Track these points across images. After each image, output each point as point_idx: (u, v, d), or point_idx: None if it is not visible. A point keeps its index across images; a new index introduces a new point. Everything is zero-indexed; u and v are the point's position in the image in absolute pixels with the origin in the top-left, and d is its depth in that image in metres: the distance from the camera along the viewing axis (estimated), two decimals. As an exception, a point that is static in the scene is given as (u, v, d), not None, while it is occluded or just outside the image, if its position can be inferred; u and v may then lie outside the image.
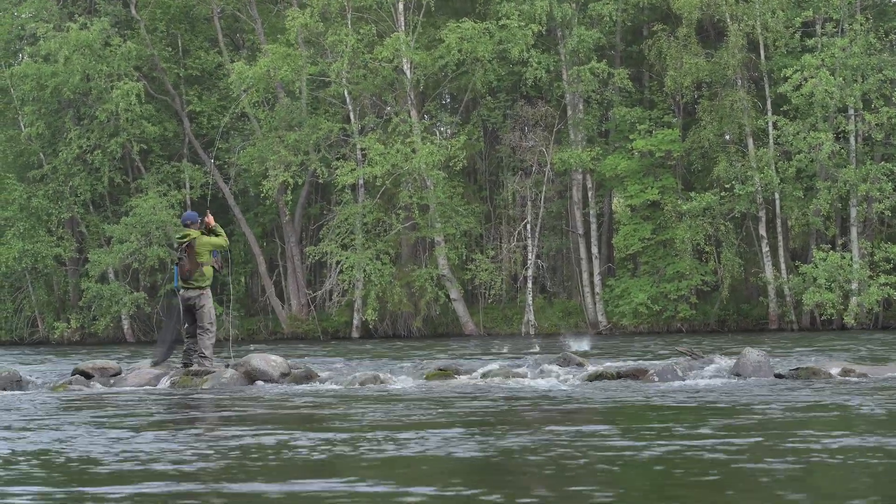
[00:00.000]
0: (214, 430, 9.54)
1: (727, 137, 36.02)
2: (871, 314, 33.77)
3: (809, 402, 11.01)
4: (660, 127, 36.31)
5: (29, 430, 9.67)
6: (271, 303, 40.22)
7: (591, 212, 37.69)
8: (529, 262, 37.43)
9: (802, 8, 34.55)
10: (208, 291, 15.04)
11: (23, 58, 42.24)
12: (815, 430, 8.69)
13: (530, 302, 37.15)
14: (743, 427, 9.05)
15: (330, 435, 8.86)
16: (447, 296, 37.15)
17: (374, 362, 19.17)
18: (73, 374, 15.30)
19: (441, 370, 15.04)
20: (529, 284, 37.25)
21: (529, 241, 37.54)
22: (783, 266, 35.00)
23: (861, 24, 33.92)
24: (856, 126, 33.95)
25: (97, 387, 14.66)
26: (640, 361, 16.22)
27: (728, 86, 35.14)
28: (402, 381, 14.46)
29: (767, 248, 35.02)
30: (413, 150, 35.64)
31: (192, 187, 39.67)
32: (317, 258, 37.81)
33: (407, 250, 38.55)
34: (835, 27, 34.51)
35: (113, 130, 39.20)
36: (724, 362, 15.08)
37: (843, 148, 34.13)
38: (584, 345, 22.70)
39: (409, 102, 37.17)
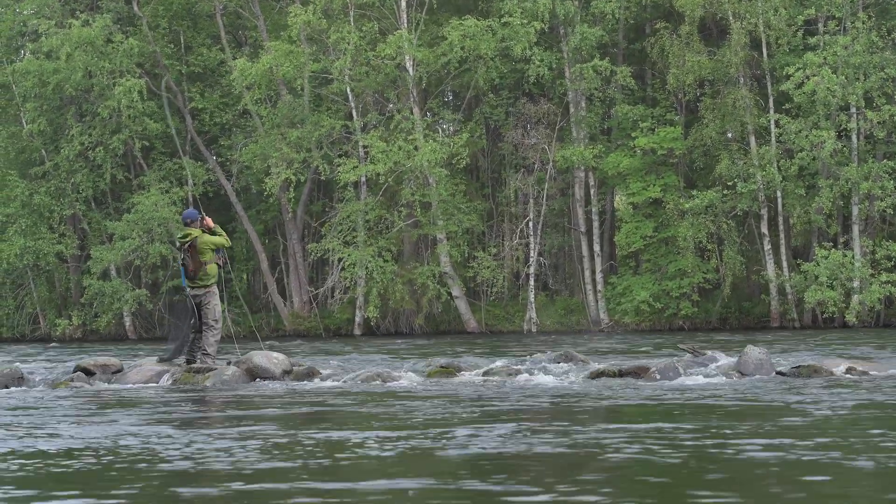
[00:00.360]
0: (256, 428, 9.34)
1: (729, 135, 36.00)
2: (873, 312, 33.76)
3: (858, 401, 10.92)
4: (662, 125, 36.30)
5: (68, 427, 9.55)
6: (273, 300, 40.23)
7: (594, 209, 37.68)
8: (531, 259, 37.43)
9: (805, 6, 34.53)
10: (214, 289, 15.08)
11: (25, 54, 42.25)
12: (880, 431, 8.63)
13: (532, 299, 37.15)
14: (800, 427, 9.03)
15: (388, 433, 8.76)
16: (449, 293, 37.15)
17: (399, 358, 19.19)
18: (74, 371, 15.31)
19: (443, 367, 15.05)
20: (531, 282, 37.25)
21: (531, 239, 37.54)
22: (785, 264, 34.99)
23: (863, 23, 33.90)
24: (858, 124, 33.93)
25: (99, 384, 14.67)
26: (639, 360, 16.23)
27: (730, 84, 35.13)
28: (406, 378, 14.46)
29: (769, 246, 35.01)
30: (415, 148, 35.64)
31: (194, 184, 39.67)
32: (319, 255, 37.82)
33: (409, 248, 38.55)
34: (837, 25, 34.49)
35: (115, 127, 39.21)
36: (726, 360, 15.09)
37: (845, 146, 34.11)
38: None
39: (412, 100, 37.16)
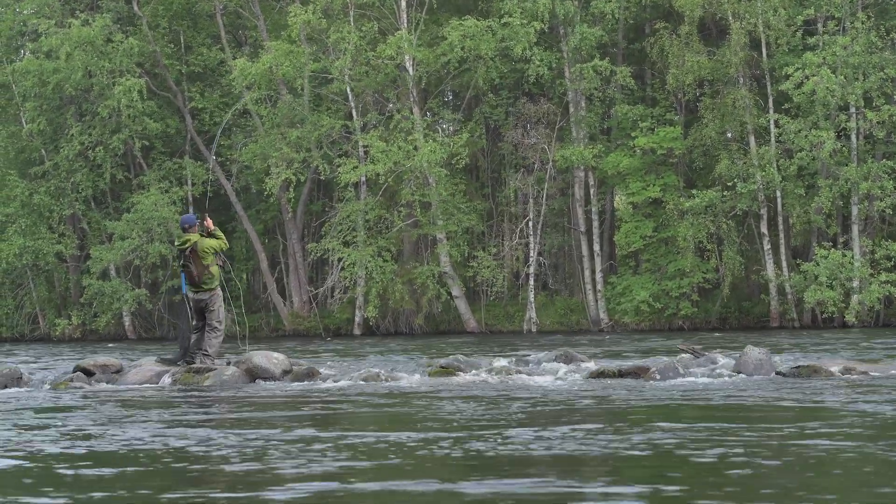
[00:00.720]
0: (291, 430, 9.25)
1: (729, 135, 36.01)
2: (873, 312, 33.77)
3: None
4: (662, 124, 36.31)
5: (105, 429, 9.47)
6: (273, 300, 40.24)
7: (593, 209, 37.69)
8: (531, 259, 37.44)
9: (804, 6, 34.54)
10: (219, 291, 15.16)
11: (25, 54, 42.26)
12: None
13: (532, 299, 37.16)
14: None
15: (428, 434, 8.70)
16: (449, 293, 37.17)
17: (407, 357, 19.19)
18: (74, 372, 15.30)
19: (443, 368, 15.06)
20: (531, 282, 37.26)
21: (531, 239, 37.55)
22: (784, 264, 35.00)
23: (862, 23, 33.91)
24: (857, 124, 33.95)
25: (99, 384, 14.67)
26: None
27: (730, 84, 35.14)
28: (407, 378, 14.47)
29: (769, 246, 35.03)
30: (415, 148, 35.65)
31: (193, 184, 39.68)
32: (319, 255, 37.83)
33: (409, 247, 38.56)
34: (836, 25, 34.50)
35: (115, 127, 39.22)
36: (726, 360, 15.11)
37: (844, 146, 34.13)
38: None
39: (412, 99, 37.17)
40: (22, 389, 14.33)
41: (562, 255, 40.03)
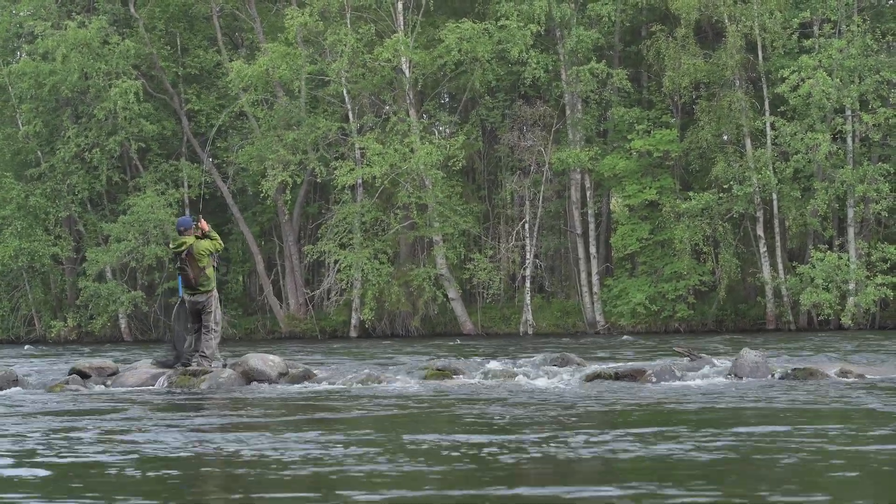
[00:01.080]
0: (357, 433, 9.21)
1: (725, 138, 36.04)
2: (868, 314, 33.80)
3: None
4: (658, 127, 36.33)
5: (138, 433, 9.44)
6: (269, 302, 40.21)
7: (590, 211, 37.69)
8: (527, 261, 37.43)
9: (800, 9, 34.58)
10: (215, 293, 15.20)
11: (21, 56, 42.22)
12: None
13: (528, 301, 37.15)
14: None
15: (491, 437, 8.65)
16: (445, 295, 37.16)
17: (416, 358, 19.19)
18: (69, 374, 15.28)
19: (439, 370, 15.05)
20: (527, 284, 37.25)
21: (528, 241, 37.55)
22: (780, 266, 35.03)
23: (858, 26, 33.96)
24: (853, 127, 33.99)
25: (95, 386, 14.65)
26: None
27: (726, 86, 35.16)
28: (402, 380, 14.46)
29: (765, 249, 35.05)
30: (411, 150, 35.64)
31: (189, 186, 39.65)
32: (315, 257, 37.81)
33: (405, 249, 38.55)
34: (832, 28, 34.55)
35: (111, 129, 39.18)
36: (722, 363, 15.11)
37: (840, 149, 34.17)
38: None
39: (408, 102, 37.17)
40: (23, 391, 14.30)
41: (558, 257, 40.03)
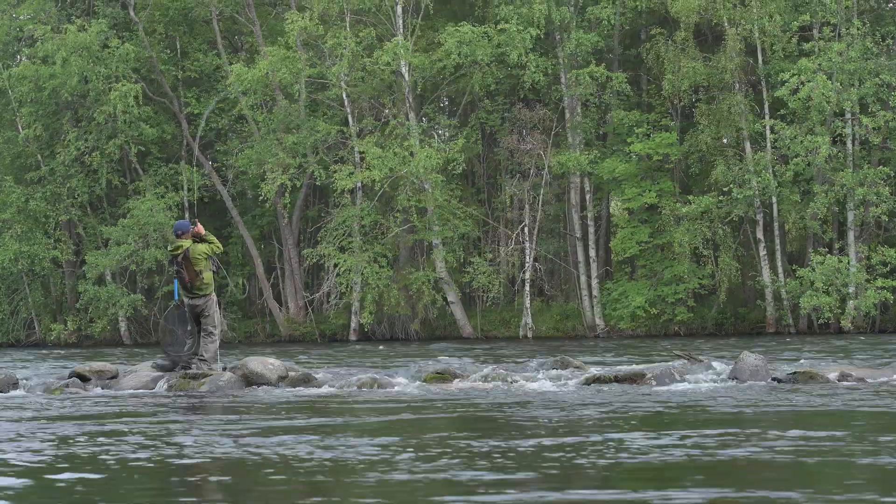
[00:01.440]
0: (344, 435, 9.19)
1: (725, 141, 36.04)
2: (868, 318, 33.80)
3: None
4: (657, 130, 36.33)
5: (176, 435, 9.35)
6: (269, 305, 40.20)
7: (589, 215, 37.69)
8: (527, 265, 37.42)
9: (800, 12, 34.60)
10: (214, 296, 15.16)
11: (21, 59, 42.24)
12: None
13: (528, 305, 37.14)
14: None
15: (490, 441, 8.58)
16: (445, 299, 37.15)
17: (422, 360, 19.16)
18: (69, 377, 15.28)
19: (438, 374, 15.04)
20: (527, 287, 37.24)
21: (527, 244, 37.55)
22: (780, 270, 35.03)
23: (858, 29, 33.97)
24: (853, 130, 34.00)
25: (95, 389, 14.64)
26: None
27: (725, 90, 35.17)
28: (401, 383, 14.45)
29: (765, 252, 35.05)
30: (411, 154, 35.64)
31: (189, 189, 39.65)
32: (314, 261, 37.81)
33: (404, 253, 38.53)
34: (832, 31, 34.57)
35: (111, 132, 39.19)
36: (722, 366, 15.10)
37: (840, 152, 34.18)
38: None
39: (408, 105, 37.18)
40: (23, 394, 14.30)
41: (557, 260, 40.03)
